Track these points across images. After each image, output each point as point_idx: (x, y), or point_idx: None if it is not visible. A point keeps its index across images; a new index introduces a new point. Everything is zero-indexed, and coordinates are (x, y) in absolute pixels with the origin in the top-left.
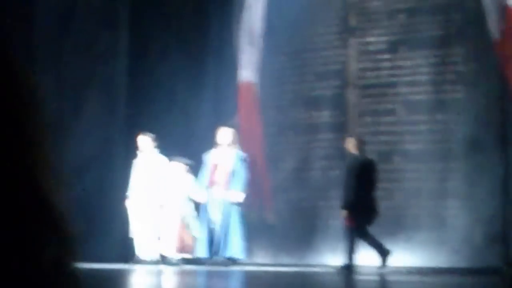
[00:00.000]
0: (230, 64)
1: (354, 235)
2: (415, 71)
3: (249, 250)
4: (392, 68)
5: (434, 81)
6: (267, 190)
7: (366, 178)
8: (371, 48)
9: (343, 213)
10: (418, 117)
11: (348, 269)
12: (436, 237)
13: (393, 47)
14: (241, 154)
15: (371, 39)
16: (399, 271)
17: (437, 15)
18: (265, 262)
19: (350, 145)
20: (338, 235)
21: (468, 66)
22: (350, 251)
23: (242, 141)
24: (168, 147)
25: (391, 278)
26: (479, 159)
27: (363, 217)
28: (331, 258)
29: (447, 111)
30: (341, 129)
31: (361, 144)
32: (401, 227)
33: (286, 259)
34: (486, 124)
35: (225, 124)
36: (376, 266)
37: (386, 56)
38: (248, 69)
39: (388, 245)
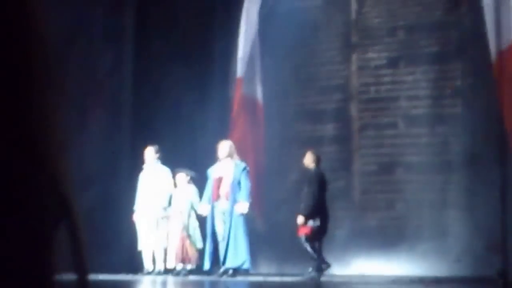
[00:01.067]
0: (235, 77)
1: (309, 241)
2: (415, 85)
3: (254, 260)
4: (392, 83)
5: (433, 95)
6: (256, 195)
7: (323, 190)
8: (372, 63)
9: (301, 219)
10: (418, 130)
11: (319, 270)
12: (437, 247)
13: (393, 63)
14: (241, 164)
15: (372, 55)
16: (401, 280)
17: (436, 32)
18: (270, 272)
19: (309, 159)
20: (343, 245)
21: (466, 81)
22: (313, 256)
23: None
24: (174, 161)
25: (395, 287)
26: (478, 170)
27: (320, 226)
28: (336, 268)
29: (446, 124)
30: (344, 141)
31: (318, 159)
32: (403, 237)
33: (290, 269)
34: (484, 137)
35: (229, 137)
36: (309, 276)
37: (387, 71)
38: (249, 82)
39: (390, 255)
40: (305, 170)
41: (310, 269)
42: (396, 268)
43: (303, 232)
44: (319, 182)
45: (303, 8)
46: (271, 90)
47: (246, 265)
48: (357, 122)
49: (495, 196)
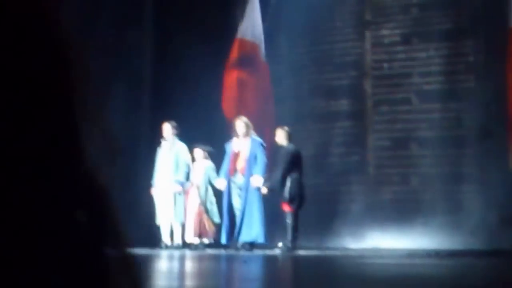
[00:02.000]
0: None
1: (294, 217)
2: (428, 62)
3: (269, 234)
4: (406, 59)
5: (446, 71)
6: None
7: (298, 166)
8: (385, 40)
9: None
10: (431, 105)
11: (291, 249)
12: (452, 221)
13: (406, 40)
14: (257, 140)
15: (386, 32)
16: (416, 254)
17: (448, 8)
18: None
19: (281, 136)
20: (358, 219)
21: (478, 57)
22: (294, 233)
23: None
24: (192, 138)
25: (409, 260)
26: (490, 145)
27: (298, 201)
28: (351, 242)
29: (459, 100)
30: (358, 117)
31: (289, 135)
32: (418, 211)
33: (306, 243)
34: (496, 112)
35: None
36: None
37: (400, 48)
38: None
39: (405, 229)
40: (279, 147)
41: (281, 243)
42: (410, 242)
43: (287, 209)
44: (293, 158)
45: None
46: (286, 67)
47: (261, 239)
48: (371, 98)
49: (508, 170)
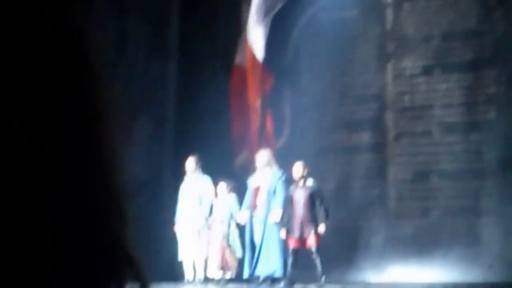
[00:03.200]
0: (275, 87)
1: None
2: (449, 93)
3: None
4: (427, 91)
5: (467, 103)
6: None
7: None
8: (407, 72)
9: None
10: (452, 137)
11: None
12: (471, 253)
13: (428, 71)
14: (278, 173)
15: (407, 63)
16: (435, 287)
17: (470, 39)
18: (304, 280)
19: (303, 171)
20: (379, 252)
21: (499, 88)
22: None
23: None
24: (215, 171)
25: None
26: (510, 177)
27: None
28: (372, 275)
29: (480, 131)
30: (379, 150)
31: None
32: (437, 244)
33: (327, 277)
34: None
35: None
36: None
37: (422, 79)
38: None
39: (425, 262)
40: (310, 185)
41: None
42: (430, 275)
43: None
44: None
45: (340, 18)
46: (309, 99)
47: (278, 273)
48: (392, 131)
49: None
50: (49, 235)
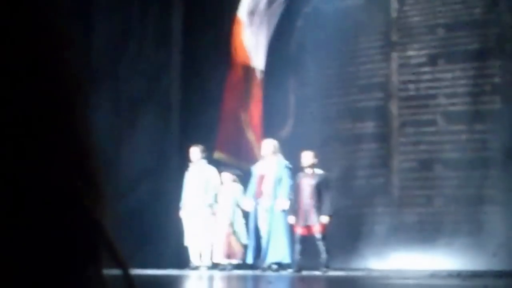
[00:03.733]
0: (280, 77)
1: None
2: (454, 83)
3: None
4: (432, 80)
5: (472, 92)
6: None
7: None
8: (412, 61)
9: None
10: (457, 127)
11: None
12: (475, 242)
13: (432, 60)
14: (284, 162)
15: (412, 53)
16: (439, 274)
17: (475, 29)
18: (311, 266)
19: (313, 159)
20: (382, 240)
21: (505, 78)
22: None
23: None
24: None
25: (432, 281)
26: None
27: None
28: (375, 263)
29: (484, 121)
30: (383, 139)
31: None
32: (441, 232)
33: (332, 264)
34: None
35: (274, 135)
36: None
37: (426, 69)
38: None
39: (428, 250)
40: (318, 174)
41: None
42: (434, 263)
43: (323, 230)
44: None
45: (344, 8)
46: (313, 89)
47: (286, 260)
48: (396, 120)
49: None
50: (22, 216)
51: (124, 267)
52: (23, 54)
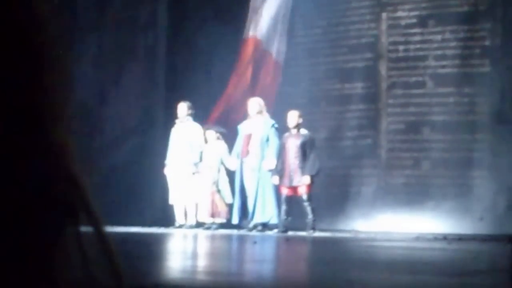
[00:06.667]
0: (268, 36)
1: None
2: (444, 45)
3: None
4: (421, 42)
5: (461, 55)
6: None
7: None
8: (402, 22)
9: (309, 180)
10: (446, 89)
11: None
12: (461, 205)
13: (423, 22)
14: (271, 121)
15: (402, 13)
16: (425, 237)
17: None
18: (297, 227)
19: (298, 119)
20: (369, 202)
21: (494, 41)
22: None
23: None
24: (206, 116)
25: (417, 244)
26: (503, 131)
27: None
28: (362, 224)
29: (473, 84)
30: (372, 100)
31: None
32: (428, 195)
33: (318, 225)
34: (511, 97)
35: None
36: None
37: (416, 30)
38: (254, 26)
39: (415, 212)
40: (303, 134)
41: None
42: (420, 226)
43: (309, 191)
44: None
45: None
46: (302, 48)
47: (274, 220)
48: (385, 81)
49: None
50: None
51: (98, 225)
52: None
